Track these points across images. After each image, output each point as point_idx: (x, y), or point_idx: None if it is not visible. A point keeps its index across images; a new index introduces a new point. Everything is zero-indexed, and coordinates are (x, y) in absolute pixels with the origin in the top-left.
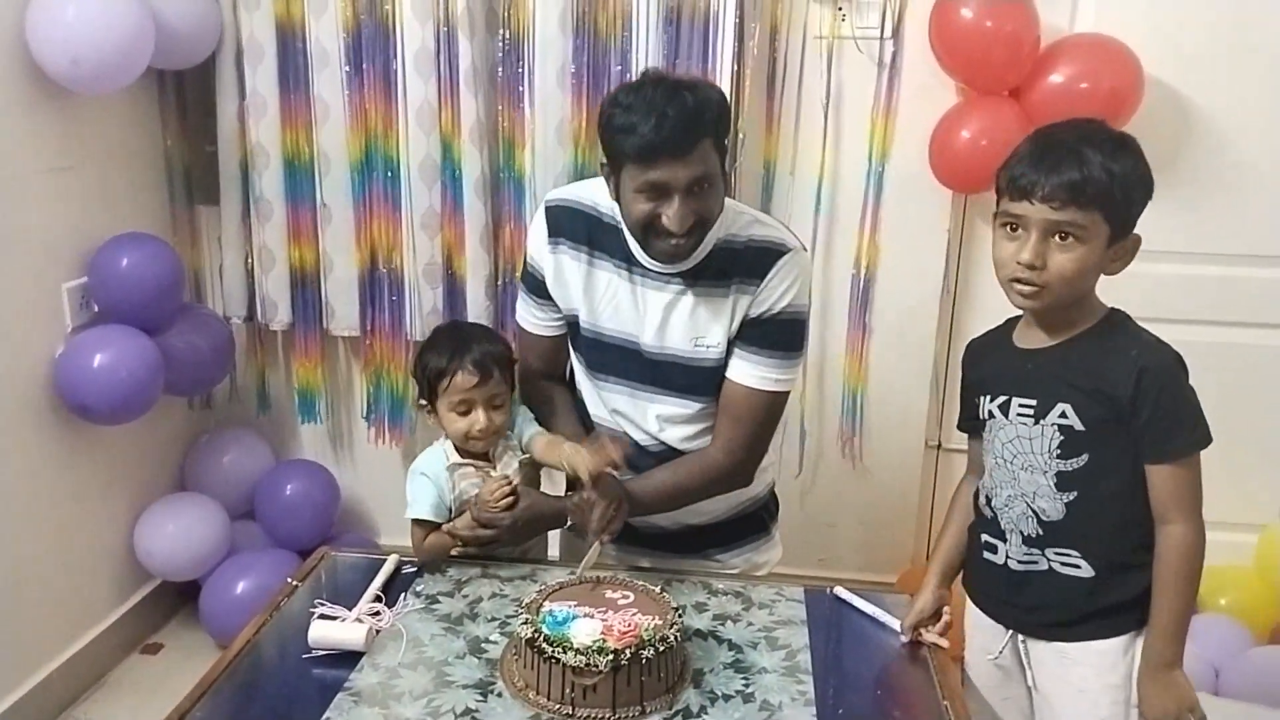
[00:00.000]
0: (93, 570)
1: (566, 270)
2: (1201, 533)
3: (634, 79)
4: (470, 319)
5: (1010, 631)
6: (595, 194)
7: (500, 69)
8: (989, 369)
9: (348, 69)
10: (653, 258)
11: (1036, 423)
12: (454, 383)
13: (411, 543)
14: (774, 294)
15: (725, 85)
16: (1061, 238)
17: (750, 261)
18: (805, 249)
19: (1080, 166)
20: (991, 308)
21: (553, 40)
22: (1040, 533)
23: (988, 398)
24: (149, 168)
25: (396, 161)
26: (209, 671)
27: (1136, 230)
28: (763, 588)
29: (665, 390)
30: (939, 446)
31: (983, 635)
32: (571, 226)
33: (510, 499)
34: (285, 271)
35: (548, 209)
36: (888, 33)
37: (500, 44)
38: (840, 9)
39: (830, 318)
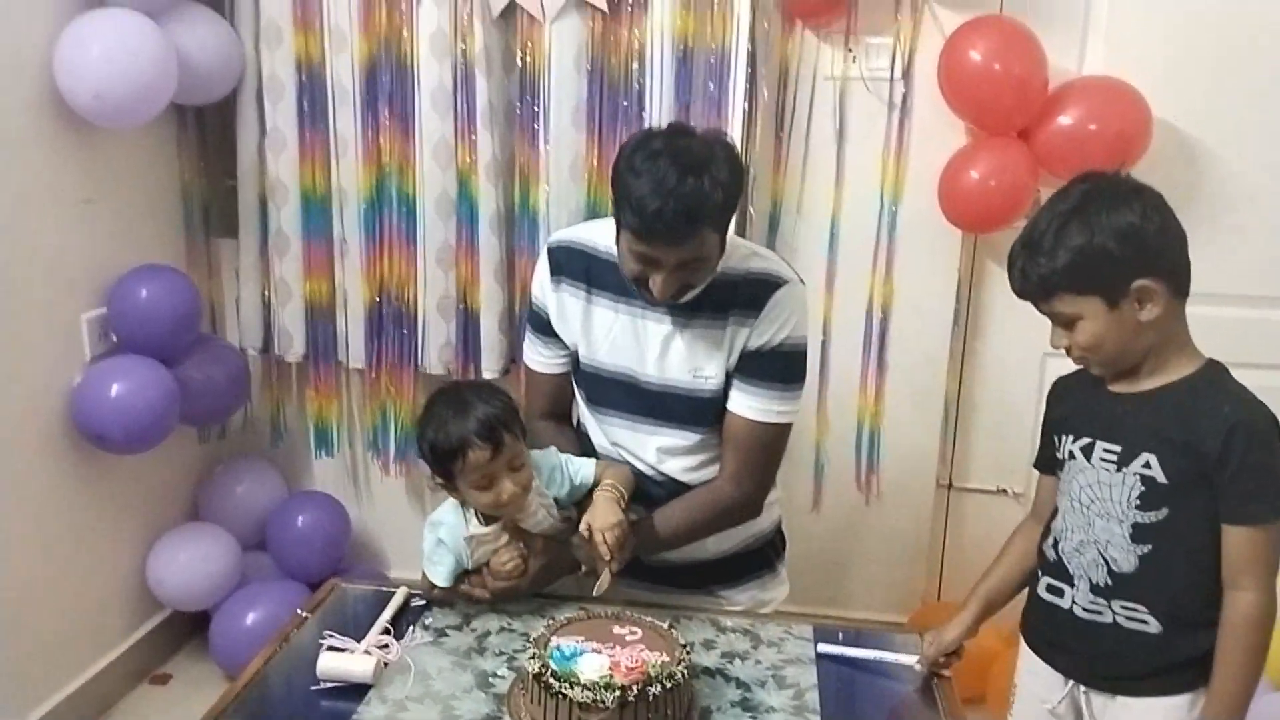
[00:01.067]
0: (104, 599)
1: (568, 307)
2: (1274, 602)
3: (660, 134)
4: (484, 352)
5: (1070, 682)
6: (594, 234)
7: (516, 107)
8: (1075, 407)
9: (366, 106)
10: (641, 298)
11: (1119, 470)
12: (469, 462)
13: (421, 585)
14: (772, 326)
15: (736, 125)
16: (1061, 322)
17: (748, 294)
18: (803, 282)
19: (1021, 276)
20: (1002, 348)
21: (567, 79)
22: (1110, 583)
23: (1070, 437)
24: (168, 201)
25: (413, 197)
26: (217, 702)
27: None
28: (771, 625)
29: (665, 422)
30: (950, 486)
31: (1038, 683)
32: (571, 265)
33: (520, 566)
34: (301, 304)
35: (550, 250)
36: (898, 74)
37: (516, 82)
38: (850, 50)
39: (842, 356)
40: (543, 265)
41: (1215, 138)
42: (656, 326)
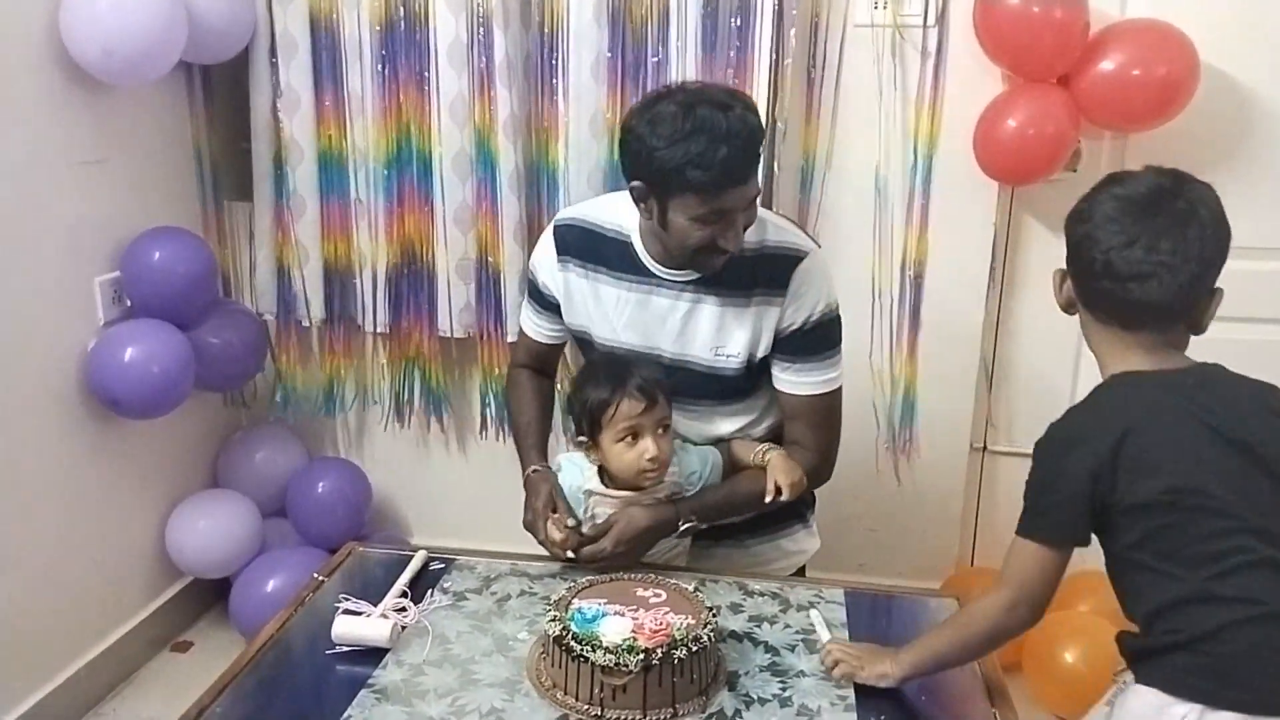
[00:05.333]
0: (123, 567)
1: (574, 288)
2: (1008, 607)
3: (663, 97)
4: (506, 315)
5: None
6: (600, 212)
7: (534, 61)
8: None
9: (381, 63)
10: (696, 270)
11: None
12: (619, 410)
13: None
14: (805, 305)
15: (764, 76)
16: None
17: (769, 271)
18: (819, 246)
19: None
20: (1038, 306)
21: (587, 31)
22: None
23: None
24: (180, 162)
25: (430, 156)
26: (231, 665)
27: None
28: (801, 589)
29: (682, 398)
30: (984, 449)
31: None
32: (578, 245)
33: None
34: (318, 267)
35: (555, 228)
36: (931, 20)
37: (534, 35)
38: None
39: (876, 314)
40: (547, 243)
41: (1265, 83)
42: (671, 304)
